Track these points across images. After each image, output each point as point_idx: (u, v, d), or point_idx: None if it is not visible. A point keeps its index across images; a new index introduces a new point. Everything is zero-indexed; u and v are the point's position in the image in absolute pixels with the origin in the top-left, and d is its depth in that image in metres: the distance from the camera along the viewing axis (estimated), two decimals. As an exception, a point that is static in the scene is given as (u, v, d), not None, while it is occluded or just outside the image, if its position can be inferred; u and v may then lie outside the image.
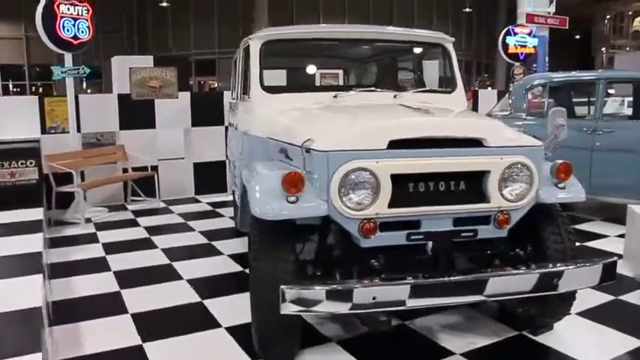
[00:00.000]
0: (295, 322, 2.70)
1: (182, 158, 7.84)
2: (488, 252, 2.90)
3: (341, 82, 6.02)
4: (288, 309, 2.42)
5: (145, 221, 6.34)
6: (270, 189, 2.61)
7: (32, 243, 3.59)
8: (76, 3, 6.34)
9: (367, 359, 2.99)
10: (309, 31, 3.92)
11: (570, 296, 3.02)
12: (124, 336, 3.32)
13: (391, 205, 2.60)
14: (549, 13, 12.36)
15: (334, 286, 2.45)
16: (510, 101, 6.32)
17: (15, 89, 30.62)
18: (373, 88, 3.93)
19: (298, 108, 3.51)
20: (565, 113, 3.25)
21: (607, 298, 3.73)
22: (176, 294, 4.00)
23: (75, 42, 6.41)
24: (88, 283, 4.31)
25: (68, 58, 6.57)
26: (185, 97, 7.58)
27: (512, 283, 2.63)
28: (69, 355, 3.09)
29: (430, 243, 2.72)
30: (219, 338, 3.26)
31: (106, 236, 5.70)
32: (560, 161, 2.89)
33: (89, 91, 22.68)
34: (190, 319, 3.54)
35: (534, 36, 10.15)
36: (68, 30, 6.29)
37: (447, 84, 4.12)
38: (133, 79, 7.20)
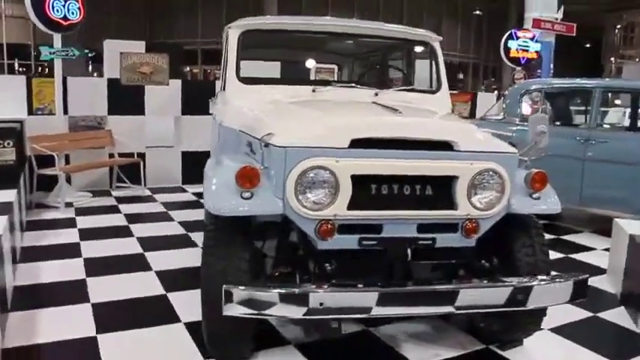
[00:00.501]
0: (246, 323, 2.58)
1: (171, 147, 7.72)
2: (454, 261, 2.77)
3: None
4: (232, 310, 2.31)
5: (126, 208, 6.25)
6: (225, 183, 2.51)
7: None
8: (68, -17, 6.23)
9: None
10: (290, 22, 3.79)
11: (539, 313, 2.89)
12: (79, 326, 3.22)
13: (351, 206, 2.49)
14: (557, 19, 12.16)
15: (282, 290, 2.33)
16: (504, 105, 6.19)
17: (21, 69, 30.62)
18: (353, 85, 3.81)
19: (272, 101, 3.40)
20: (547, 120, 3.12)
21: (584, 314, 3.60)
22: (142, 285, 3.90)
23: (64, 23, 6.30)
24: (56, 268, 4.22)
25: (57, 38, 6.46)
26: (176, 84, 7.46)
27: (483, 295, 2.52)
28: (22, 343, 3.02)
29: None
30: (175, 334, 3.15)
31: (85, 222, 5.60)
32: (536, 170, 2.77)
33: (95, 74, 22.59)
34: (151, 312, 3.45)
35: (537, 41, 9.98)
36: (58, 10, 6.19)
37: (431, 83, 3.99)
38: (124, 64, 7.09)
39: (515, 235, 2.87)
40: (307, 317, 2.36)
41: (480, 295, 2.53)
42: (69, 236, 5.08)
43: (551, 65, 12.46)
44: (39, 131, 6.42)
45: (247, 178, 2.44)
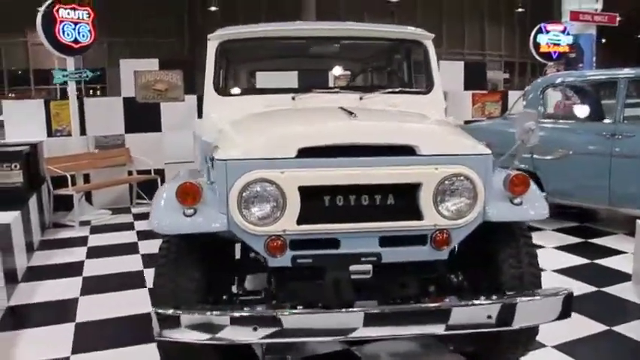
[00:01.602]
0: (201, 346, 2.42)
1: (191, 162, 7.70)
2: (424, 277, 2.53)
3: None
4: (163, 334, 2.17)
5: (140, 225, 6.25)
6: (168, 200, 2.38)
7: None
8: (77, 7, 6.34)
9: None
10: (269, 29, 3.63)
11: (529, 332, 2.58)
12: (56, 346, 3.19)
13: (301, 221, 2.29)
14: (596, 10, 11.52)
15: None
16: (525, 102, 5.80)
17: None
18: (337, 90, 3.61)
19: (242, 112, 3.24)
20: (536, 116, 2.81)
21: (598, 328, 3.24)
22: (131, 303, 3.83)
23: (75, 46, 6.42)
24: (53, 288, 4.23)
25: (70, 61, 6.59)
26: (191, 100, 7.47)
27: (474, 315, 2.27)
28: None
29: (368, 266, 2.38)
30: (147, 354, 3.03)
31: (96, 240, 5.64)
32: (515, 172, 2.48)
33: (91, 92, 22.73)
34: (131, 331, 3.36)
35: (569, 34, 9.42)
36: (68, 34, 6.31)
37: (422, 83, 3.74)
38: (138, 83, 7.16)
39: (500, 245, 2.59)
40: (273, 340, 2.20)
41: (471, 314, 2.27)
42: (76, 255, 5.10)
43: (594, 58, 11.80)
44: (59, 152, 6.59)
45: (187, 195, 2.30)
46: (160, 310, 2.20)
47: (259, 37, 3.71)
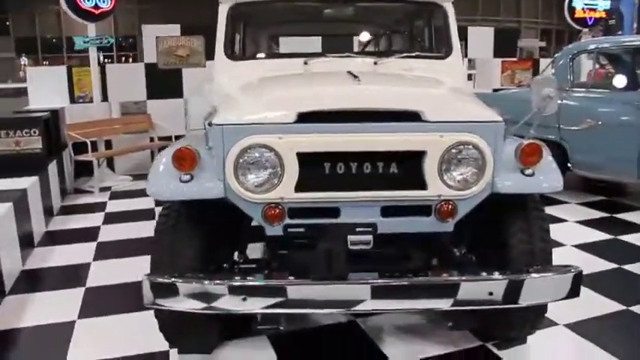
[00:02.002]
0: (195, 315, 2.39)
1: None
2: (427, 249, 2.43)
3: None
4: (157, 303, 2.16)
5: (159, 192, 6.26)
6: (165, 166, 2.33)
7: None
8: (96, -29, 6.28)
9: (293, 358, 2.66)
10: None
11: (537, 310, 2.47)
12: (65, 310, 3.22)
13: (300, 188, 2.22)
14: (640, -28, 10.90)
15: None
16: (553, 70, 5.53)
17: (106, 60, 32.35)
18: (350, 54, 3.47)
19: (251, 77, 3.15)
20: (555, 82, 2.63)
21: (614, 307, 3.09)
22: (142, 269, 3.74)
23: (96, 11, 6.39)
24: (68, 252, 4.28)
25: (91, 27, 6.57)
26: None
27: (483, 289, 2.17)
28: (2, 327, 3.04)
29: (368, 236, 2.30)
30: (149, 320, 3.03)
31: (114, 205, 5.69)
32: (527, 141, 2.33)
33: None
34: (137, 298, 3.33)
35: (609, -2, 8.91)
36: (88, 0, 6.25)
37: (441, 48, 3.56)
38: (160, 48, 7.11)
39: (511, 219, 2.46)
40: (276, 311, 2.16)
41: (479, 290, 2.17)
42: (93, 220, 5.15)
43: (635, 25, 11.22)
44: (81, 119, 6.63)
45: (183, 160, 2.25)
46: (153, 277, 2.16)
47: (270, 0, 3.59)
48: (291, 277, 2.16)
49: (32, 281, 3.74)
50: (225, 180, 2.22)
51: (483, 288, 2.17)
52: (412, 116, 2.22)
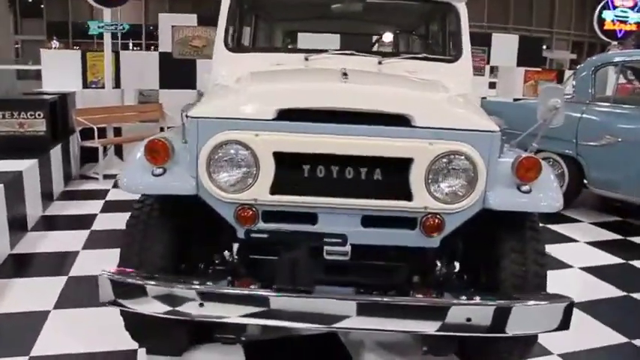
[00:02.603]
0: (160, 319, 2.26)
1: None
2: (410, 265, 2.26)
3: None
4: (105, 298, 2.05)
5: (164, 183, 6.19)
6: (139, 158, 2.21)
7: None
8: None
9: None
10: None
11: (526, 339, 2.28)
12: (42, 299, 3.14)
13: (275, 190, 2.08)
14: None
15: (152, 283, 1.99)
16: (574, 83, 5.28)
17: (135, 48, 32.73)
18: (353, 52, 3.31)
19: (245, 70, 3.02)
20: (562, 92, 2.45)
21: (616, 338, 2.87)
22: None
23: (112, -3, 6.33)
24: (59, 239, 4.21)
25: (107, 13, 6.51)
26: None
27: (472, 314, 1.99)
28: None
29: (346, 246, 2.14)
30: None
31: (115, 194, 5.61)
32: (525, 154, 2.15)
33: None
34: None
35: (639, 10, 8.56)
36: (104, -16, 6.21)
37: (450, 50, 3.38)
38: (176, 38, 7.03)
39: (504, 237, 2.28)
40: (254, 321, 2.02)
41: (464, 314, 1.99)
42: (92, 207, 5.08)
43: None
44: (92, 104, 6.58)
45: (156, 153, 2.14)
46: (115, 275, 2.04)
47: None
48: (253, 286, 2.01)
49: (17, 266, 3.67)
50: (197, 176, 2.10)
51: (465, 313, 1.99)
52: (400, 120, 2.07)
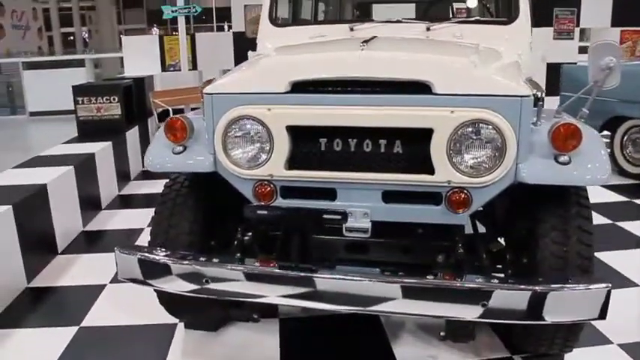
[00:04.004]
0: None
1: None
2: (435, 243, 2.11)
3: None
4: (125, 275, 2.10)
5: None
6: (162, 137, 2.24)
7: (46, 174, 3.74)
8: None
9: (297, 345, 2.51)
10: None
11: (568, 325, 2.06)
12: (102, 273, 3.31)
13: (291, 165, 2.02)
14: None
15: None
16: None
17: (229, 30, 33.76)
18: (399, 20, 3.13)
19: (291, 43, 2.96)
20: (618, 50, 2.14)
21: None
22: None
23: (184, -21, 6.48)
24: (129, 216, 4.43)
25: (180, -4, 6.71)
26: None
27: (512, 300, 1.82)
28: (46, 284, 3.22)
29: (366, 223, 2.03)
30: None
31: (189, 173, 5.81)
32: (563, 121, 1.91)
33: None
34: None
35: None
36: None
37: (505, 12, 3.11)
38: (248, 17, 7.10)
39: (544, 214, 2.06)
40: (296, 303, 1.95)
41: (510, 299, 1.82)
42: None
43: None
44: (171, 87, 6.85)
45: (175, 131, 2.16)
46: (140, 253, 2.08)
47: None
48: (257, 263, 1.97)
49: (87, 242, 3.92)
50: (214, 153, 2.09)
51: (503, 298, 1.81)
52: (422, 88, 1.91)
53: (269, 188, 2.07)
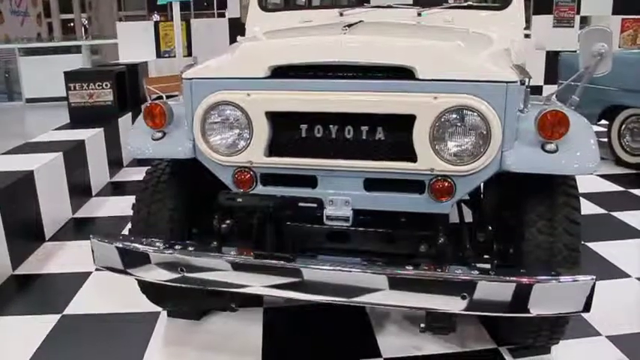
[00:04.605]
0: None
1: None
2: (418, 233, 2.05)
3: None
4: (99, 262, 2.09)
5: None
6: (141, 123, 2.20)
7: (34, 161, 3.70)
8: None
9: (280, 334, 2.48)
10: None
11: (556, 320, 2.02)
12: (87, 260, 3.15)
13: (271, 152, 1.97)
14: None
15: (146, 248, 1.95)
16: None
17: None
18: (390, 5, 3.07)
19: (280, 28, 2.90)
20: (610, 35, 2.08)
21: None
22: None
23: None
24: (119, 204, 4.38)
25: (174, -19, 6.59)
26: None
27: (496, 292, 1.76)
28: (31, 271, 3.19)
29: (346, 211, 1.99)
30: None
31: (182, 160, 5.76)
32: (550, 108, 1.86)
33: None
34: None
35: None
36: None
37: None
38: (244, 2, 6.98)
39: (529, 202, 2.01)
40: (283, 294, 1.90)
41: (494, 291, 1.76)
42: (156, 173, 5.24)
43: None
44: (167, 73, 6.77)
45: (154, 116, 2.12)
46: (99, 239, 2.05)
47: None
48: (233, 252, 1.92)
49: (76, 229, 3.88)
50: (194, 140, 2.05)
51: (488, 290, 1.76)
52: (403, 73, 1.85)
53: (248, 175, 2.03)
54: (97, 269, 3.03)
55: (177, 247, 1.95)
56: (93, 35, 21.00)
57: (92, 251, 2.08)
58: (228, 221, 2.14)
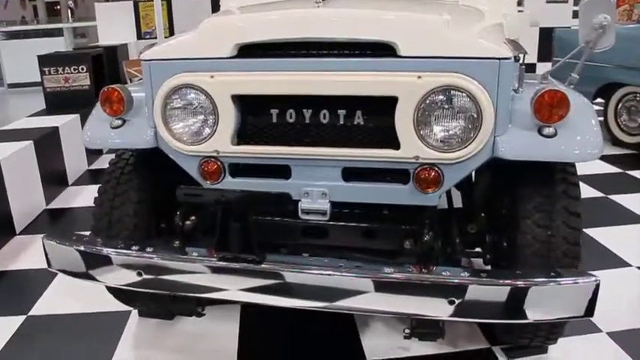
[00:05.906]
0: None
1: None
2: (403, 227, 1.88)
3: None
4: (54, 265, 1.91)
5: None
6: (99, 110, 2.00)
7: (1, 151, 3.49)
8: None
9: (258, 334, 2.31)
10: None
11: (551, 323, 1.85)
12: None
13: (239, 140, 1.79)
14: None
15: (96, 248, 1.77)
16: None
17: None
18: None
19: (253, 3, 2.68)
20: (612, 7, 1.88)
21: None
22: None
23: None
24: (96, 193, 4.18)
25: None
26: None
27: (487, 295, 1.59)
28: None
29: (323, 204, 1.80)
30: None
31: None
32: (548, 87, 1.66)
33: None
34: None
35: None
36: None
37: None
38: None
39: (524, 192, 1.82)
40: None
41: (485, 295, 1.59)
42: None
43: None
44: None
45: (111, 103, 1.92)
46: (53, 240, 1.87)
47: None
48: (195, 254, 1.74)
49: (49, 222, 3.70)
50: (155, 127, 1.85)
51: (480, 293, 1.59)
52: (384, 50, 1.66)
53: (215, 166, 1.85)
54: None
55: (134, 247, 1.76)
56: (79, 18, 20.55)
57: (45, 253, 1.88)
58: (192, 217, 1.96)
